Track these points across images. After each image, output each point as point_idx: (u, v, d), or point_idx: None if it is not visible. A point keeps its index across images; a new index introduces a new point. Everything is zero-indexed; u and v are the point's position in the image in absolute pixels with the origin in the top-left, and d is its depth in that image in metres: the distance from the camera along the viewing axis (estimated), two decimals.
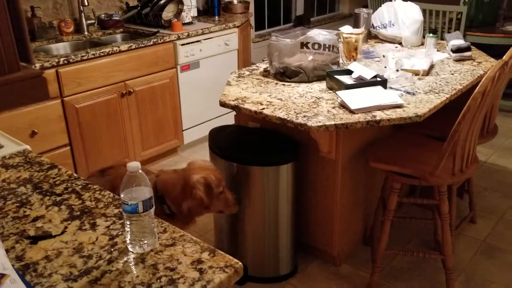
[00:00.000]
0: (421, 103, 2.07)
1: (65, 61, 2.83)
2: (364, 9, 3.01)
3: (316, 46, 2.32)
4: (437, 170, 2.01)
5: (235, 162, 2.19)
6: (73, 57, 2.86)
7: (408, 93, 2.18)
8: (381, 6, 3.13)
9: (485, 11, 4.38)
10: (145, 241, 1.10)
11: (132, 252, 1.10)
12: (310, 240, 2.49)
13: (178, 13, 3.59)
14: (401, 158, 2.16)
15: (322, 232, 2.42)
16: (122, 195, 1.06)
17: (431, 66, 2.52)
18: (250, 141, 2.30)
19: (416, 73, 2.40)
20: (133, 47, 3.15)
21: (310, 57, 2.33)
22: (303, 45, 2.32)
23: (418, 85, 2.28)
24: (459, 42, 2.69)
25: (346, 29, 2.58)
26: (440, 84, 2.29)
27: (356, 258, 2.50)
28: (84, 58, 2.92)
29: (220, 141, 2.31)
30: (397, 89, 2.22)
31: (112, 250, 1.11)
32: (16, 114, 2.67)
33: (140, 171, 1.06)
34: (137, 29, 3.58)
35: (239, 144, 2.28)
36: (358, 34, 2.51)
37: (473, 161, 2.12)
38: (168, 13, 3.55)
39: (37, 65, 2.70)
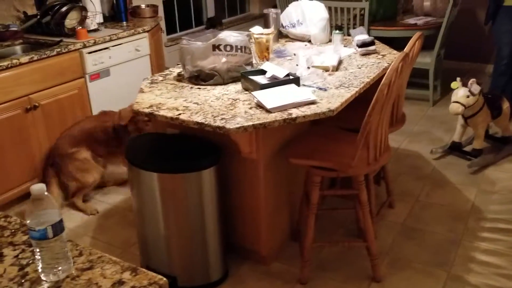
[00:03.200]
0: (333, 97, 2.13)
1: None
2: (272, 9, 3.06)
3: (228, 48, 2.31)
4: (353, 161, 2.09)
5: (155, 172, 2.12)
6: None
7: (320, 89, 2.24)
8: (288, 6, 3.19)
9: (386, 5, 4.65)
10: (59, 268, 1.01)
11: (46, 281, 1.01)
12: (239, 242, 2.48)
13: (82, 20, 3.42)
14: (319, 153, 2.21)
15: (250, 232, 2.42)
16: (28, 221, 0.97)
17: (340, 62, 2.62)
18: (169, 148, 2.24)
19: (326, 69, 2.47)
20: (35, 58, 2.95)
21: (224, 59, 2.31)
22: (215, 47, 2.30)
23: (329, 81, 2.35)
24: (364, 37, 2.81)
25: (257, 29, 2.60)
26: (349, 79, 2.38)
27: (285, 254, 2.53)
28: None
29: (138, 151, 2.23)
30: (309, 86, 2.27)
31: (23, 281, 1.02)
32: None
33: (46, 193, 0.98)
34: (38, 39, 3.36)
35: (157, 153, 2.21)
36: (268, 34, 2.54)
37: (385, 150, 2.23)
38: (71, 21, 3.36)
39: None
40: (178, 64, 2.70)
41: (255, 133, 2.14)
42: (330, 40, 3.05)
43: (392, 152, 3.56)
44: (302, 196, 2.53)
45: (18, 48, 3.36)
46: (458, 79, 3.19)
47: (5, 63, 2.79)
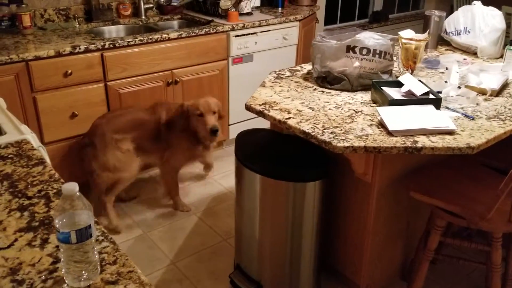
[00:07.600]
0: (479, 131, 1.72)
1: (111, 45, 2.77)
2: (436, 11, 2.64)
3: (364, 51, 2.04)
4: (489, 214, 1.67)
5: (258, 173, 1.99)
6: (119, 41, 2.80)
7: (467, 116, 1.83)
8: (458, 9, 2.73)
9: None
10: (85, 274, 0.94)
11: (67, 284, 0.95)
12: (337, 265, 2.23)
13: (236, 3, 3.42)
14: (448, 192, 1.83)
15: (350, 259, 2.16)
16: (56, 220, 0.91)
17: (504, 85, 2.13)
18: (278, 150, 2.08)
19: (482, 93, 2.03)
20: (183, 35, 3.03)
21: (357, 63, 2.05)
22: (350, 48, 2.04)
23: (482, 108, 1.92)
24: None
25: (407, 33, 2.24)
26: (509, 109, 1.91)
27: None
28: (131, 43, 2.85)
29: (246, 147, 2.12)
30: (454, 110, 1.88)
31: (48, 278, 0.97)
32: (57, 94, 2.67)
33: (78, 193, 0.91)
34: (194, 17, 3.46)
35: (265, 153, 2.07)
36: (420, 40, 2.17)
37: None
38: (226, 2, 3.39)
39: (82, 47, 2.67)
40: None
41: (374, 154, 1.86)
42: (501, 56, 2.53)
43: None
44: (423, 234, 2.16)
45: (175, 23, 3.51)
46: None
47: (155, 37, 2.92)
